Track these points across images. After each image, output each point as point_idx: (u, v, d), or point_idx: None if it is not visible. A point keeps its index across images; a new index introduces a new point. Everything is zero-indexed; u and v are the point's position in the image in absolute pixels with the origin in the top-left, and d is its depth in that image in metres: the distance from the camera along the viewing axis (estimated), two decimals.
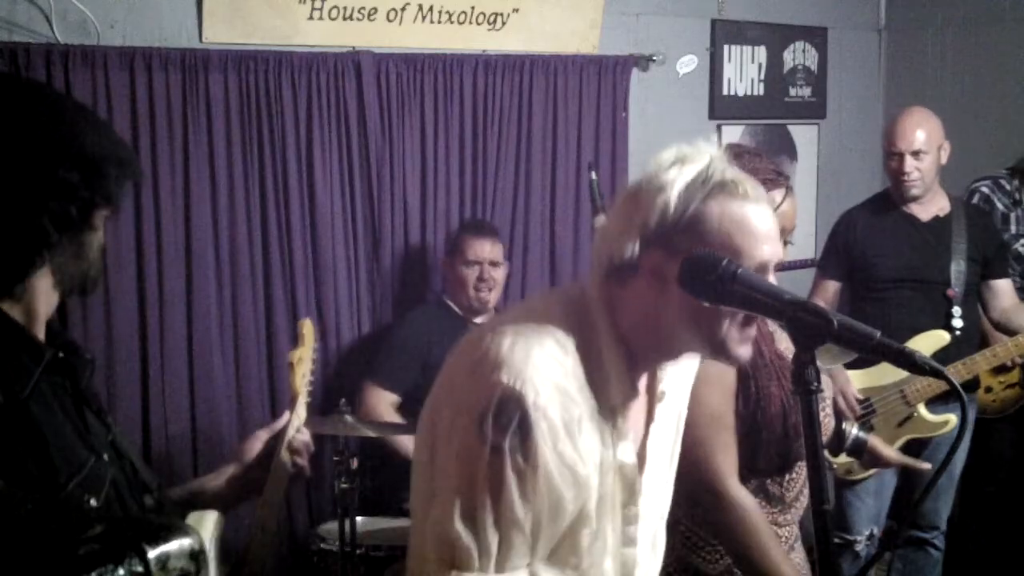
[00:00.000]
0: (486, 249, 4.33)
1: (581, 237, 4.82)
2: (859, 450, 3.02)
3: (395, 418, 4.15)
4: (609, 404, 1.70)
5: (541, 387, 1.61)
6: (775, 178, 2.42)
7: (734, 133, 5.36)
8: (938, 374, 1.53)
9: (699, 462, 2.30)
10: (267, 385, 4.26)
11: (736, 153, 2.40)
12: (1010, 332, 4.27)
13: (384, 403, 4.20)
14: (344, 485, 3.53)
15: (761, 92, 5.48)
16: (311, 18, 4.17)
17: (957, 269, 4.26)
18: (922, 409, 4.21)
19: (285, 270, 4.25)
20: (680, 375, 1.92)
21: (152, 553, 0.50)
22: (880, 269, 4.33)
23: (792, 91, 5.61)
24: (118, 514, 1.62)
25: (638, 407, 1.80)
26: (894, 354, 1.51)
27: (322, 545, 3.77)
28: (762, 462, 2.39)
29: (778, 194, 2.40)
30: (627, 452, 1.75)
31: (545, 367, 1.63)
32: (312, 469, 4.04)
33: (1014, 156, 4.84)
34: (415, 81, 4.44)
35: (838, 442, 2.95)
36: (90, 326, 3.85)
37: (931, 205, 4.34)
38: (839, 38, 5.79)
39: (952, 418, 4.19)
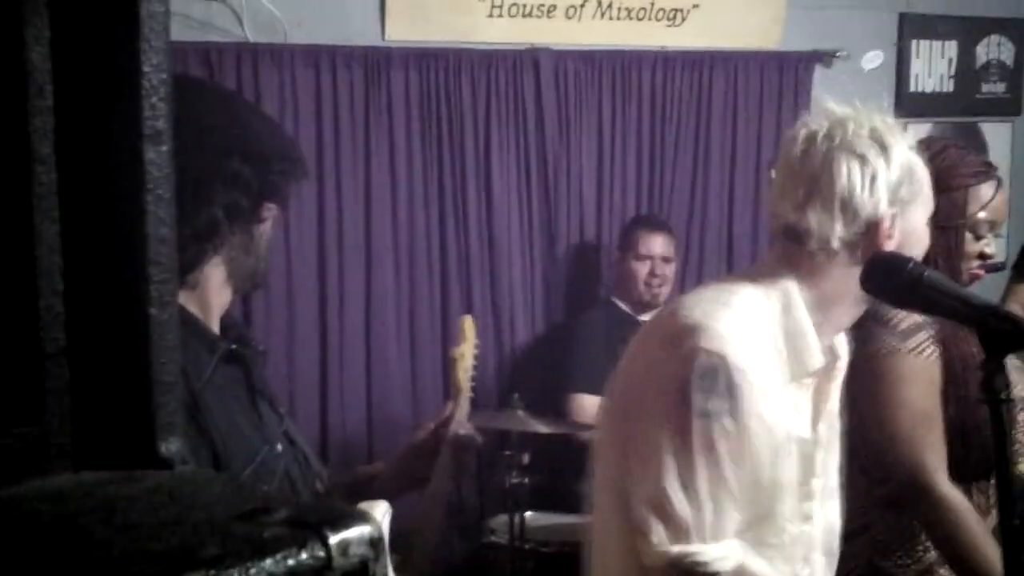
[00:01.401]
0: (658, 244, 4.28)
1: (759, 235, 4.74)
2: None
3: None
4: (806, 371, 1.72)
5: (740, 349, 1.64)
6: (986, 171, 2.36)
7: (921, 132, 5.17)
8: None
9: (906, 461, 2.22)
10: (442, 380, 4.32)
11: (942, 147, 2.34)
12: None
13: (593, 406, 4.17)
14: (515, 480, 3.55)
15: (951, 88, 5.28)
16: (490, 15, 4.21)
17: None
18: None
19: (461, 266, 4.30)
20: (846, 357, 1.92)
21: (333, 539, 0.51)
22: None
23: (985, 87, 5.39)
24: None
25: (815, 386, 1.81)
26: None
27: (492, 538, 3.80)
28: (967, 468, 2.30)
29: (989, 187, 2.34)
30: (805, 426, 1.76)
31: (742, 330, 1.66)
32: (483, 463, 4.13)
33: None
34: (593, 78, 4.44)
35: None
36: (272, 319, 3.97)
37: None
38: None
39: None
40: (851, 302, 1.75)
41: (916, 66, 5.17)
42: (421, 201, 4.20)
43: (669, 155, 4.60)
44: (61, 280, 0.61)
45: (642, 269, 4.27)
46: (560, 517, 3.94)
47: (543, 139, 4.38)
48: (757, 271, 1.80)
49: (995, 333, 1.47)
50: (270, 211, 1.77)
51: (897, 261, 1.54)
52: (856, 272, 1.67)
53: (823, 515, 1.86)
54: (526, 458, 3.59)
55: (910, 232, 1.72)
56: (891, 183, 1.67)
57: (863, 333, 2.24)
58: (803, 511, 1.78)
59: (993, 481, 2.34)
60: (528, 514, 3.64)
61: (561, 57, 4.36)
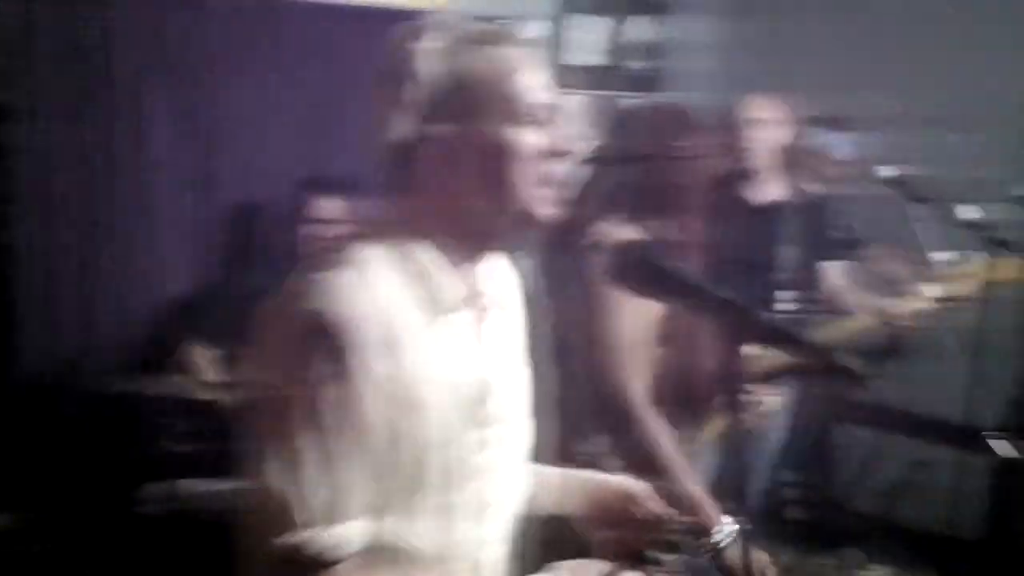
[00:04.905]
0: (325, 207, 4.13)
1: None
2: None
3: (220, 375, 4.00)
4: (448, 306, 1.57)
5: (347, 304, 1.44)
6: None
7: (575, 103, 5.33)
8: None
9: (605, 377, 2.29)
10: None
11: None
12: None
13: (207, 361, 4.02)
14: (169, 447, 3.47)
15: (601, 63, 5.49)
16: None
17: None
18: None
19: (114, 220, 4.08)
20: (502, 295, 1.75)
21: None
22: None
23: (630, 63, 5.63)
24: None
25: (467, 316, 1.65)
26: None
27: (146, 508, 3.63)
28: (666, 403, 2.38)
29: None
30: (467, 368, 1.60)
31: (351, 284, 1.47)
32: (136, 429, 3.92)
33: None
34: (250, 27, 4.27)
35: None
36: None
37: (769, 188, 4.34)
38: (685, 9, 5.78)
39: None
40: (439, 227, 1.58)
41: (571, 39, 5.33)
42: (67, 148, 3.91)
43: (331, 112, 4.48)
44: None
45: (304, 232, 4.09)
46: (217, 483, 3.80)
47: (201, 88, 4.18)
48: (368, 225, 1.62)
49: (728, 322, 1.52)
50: None
51: (634, 251, 1.56)
52: (431, 194, 1.57)
53: (504, 467, 1.68)
54: (182, 425, 3.46)
55: (453, 147, 1.56)
56: (414, 97, 1.55)
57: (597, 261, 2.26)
58: (471, 465, 1.59)
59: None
60: (183, 481, 3.53)
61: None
